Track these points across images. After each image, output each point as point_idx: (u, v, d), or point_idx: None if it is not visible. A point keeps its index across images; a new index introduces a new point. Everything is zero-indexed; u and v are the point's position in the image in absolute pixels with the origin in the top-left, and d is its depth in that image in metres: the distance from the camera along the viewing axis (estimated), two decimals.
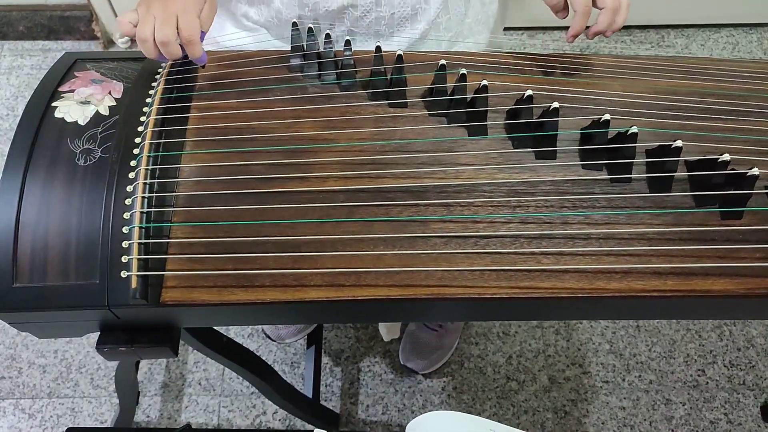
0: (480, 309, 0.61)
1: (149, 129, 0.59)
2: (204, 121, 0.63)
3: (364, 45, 0.76)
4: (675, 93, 0.69)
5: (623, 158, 0.60)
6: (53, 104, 0.62)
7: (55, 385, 1.27)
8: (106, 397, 1.26)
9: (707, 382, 1.30)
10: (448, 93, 0.65)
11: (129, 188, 0.57)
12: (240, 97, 0.65)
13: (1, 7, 1.73)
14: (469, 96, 0.64)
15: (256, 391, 1.23)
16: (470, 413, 0.56)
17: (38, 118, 0.61)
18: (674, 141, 0.58)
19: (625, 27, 1.56)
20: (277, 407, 1.22)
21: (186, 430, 0.74)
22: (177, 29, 0.57)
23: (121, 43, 1.79)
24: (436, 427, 0.56)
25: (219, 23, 0.80)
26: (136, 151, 0.59)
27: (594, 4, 0.64)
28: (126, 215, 0.56)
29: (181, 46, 0.58)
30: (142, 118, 0.61)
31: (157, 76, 0.66)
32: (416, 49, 0.76)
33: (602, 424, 1.25)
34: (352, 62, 0.67)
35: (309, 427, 1.21)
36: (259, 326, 1.34)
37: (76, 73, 0.66)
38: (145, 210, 0.56)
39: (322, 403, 1.23)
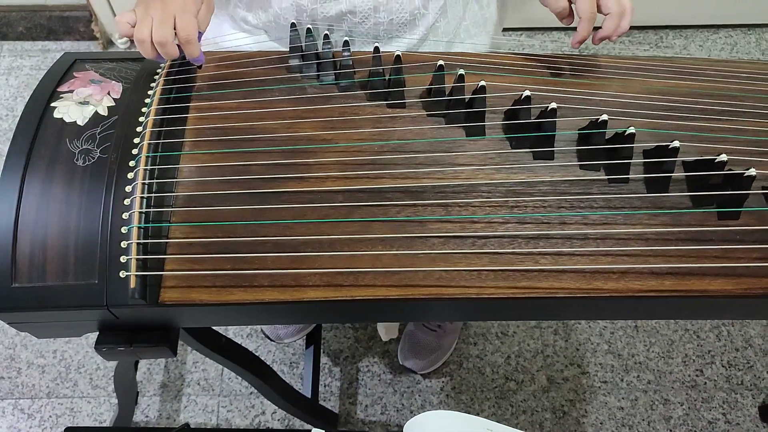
0: (478, 309, 0.61)
1: (148, 129, 0.59)
2: (203, 121, 0.63)
3: (362, 48, 0.76)
4: (672, 93, 0.69)
5: (621, 159, 0.60)
6: (52, 104, 0.62)
7: (54, 385, 1.27)
8: (105, 397, 1.26)
9: (705, 383, 1.30)
10: (447, 93, 0.65)
11: (128, 188, 0.57)
12: (239, 98, 0.65)
13: (1, 7, 1.73)
14: (467, 96, 0.64)
15: (255, 391, 1.23)
16: (469, 413, 0.56)
17: (37, 119, 0.61)
18: (672, 141, 0.58)
19: None
20: (276, 407, 1.22)
21: (185, 430, 0.74)
22: (174, 29, 0.57)
23: (121, 44, 1.79)
24: (434, 427, 0.55)
25: (217, 24, 0.80)
26: (135, 151, 0.59)
27: (599, 10, 0.64)
28: (125, 215, 0.56)
29: (178, 46, 0.59)
30: (141, 119, 0.61)
31: (156, 77, 0.66)
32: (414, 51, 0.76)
33: (600, 424, 1.25)
34: (351, 63, 0.67)
35: (308, 426, 1.21)
36: (258, 326, 1.34)
37: (75, 74, 0.66)
38: (144, 210, 0.56)
39: (321, 403, 1.23)
